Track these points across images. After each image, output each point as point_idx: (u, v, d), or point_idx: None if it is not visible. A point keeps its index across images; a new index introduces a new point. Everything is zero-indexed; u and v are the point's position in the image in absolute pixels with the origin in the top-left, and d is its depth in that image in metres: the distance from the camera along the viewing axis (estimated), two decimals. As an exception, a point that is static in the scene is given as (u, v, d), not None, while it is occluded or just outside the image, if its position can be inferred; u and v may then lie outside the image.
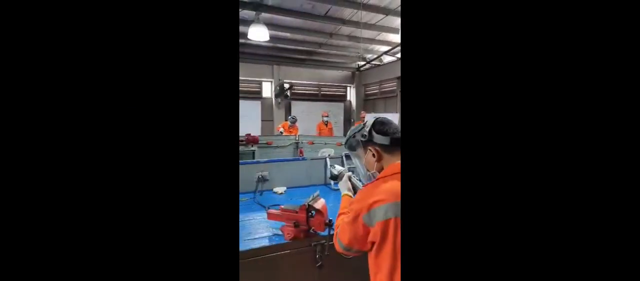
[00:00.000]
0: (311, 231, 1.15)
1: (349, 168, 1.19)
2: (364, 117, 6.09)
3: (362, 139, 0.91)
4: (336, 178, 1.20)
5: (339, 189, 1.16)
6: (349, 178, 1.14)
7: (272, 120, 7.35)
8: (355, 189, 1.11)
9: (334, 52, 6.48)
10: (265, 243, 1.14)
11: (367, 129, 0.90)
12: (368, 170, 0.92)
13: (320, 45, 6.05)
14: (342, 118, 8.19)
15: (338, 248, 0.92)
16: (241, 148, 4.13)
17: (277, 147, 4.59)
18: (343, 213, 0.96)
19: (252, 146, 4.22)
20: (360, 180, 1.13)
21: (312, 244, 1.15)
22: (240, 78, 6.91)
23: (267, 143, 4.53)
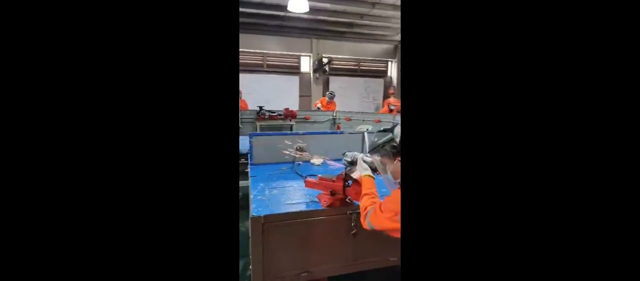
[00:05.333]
0: (347, 200, 1.16)
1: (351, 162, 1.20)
2: (393, 94, 5.82)
3: (393, 151, 0.95)
4: (353, 164, 1.18)
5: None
6: (363, 160, 1.14)
7: (310, 96, 7.37)
8: (371, 167, 1.10)
9: (376, 23, 6.16)
10: (302, 208, 1.18)
11: (398, 140, 0.93)
12: (395, 179, 0.97)
13: (361, 16, 5.78)
14: (381, 94, 7.92)
15: (366, 226, 0.98)
16: (280, 122, 4.25)
17: (315, 122, 4.63)
18: (367, 195, 1.02)
19: (291, 120, 4.33)
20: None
21: (348, 213, 1.17)
22: (279, 52, 6.99)
23: (305, 118, 4.59)
